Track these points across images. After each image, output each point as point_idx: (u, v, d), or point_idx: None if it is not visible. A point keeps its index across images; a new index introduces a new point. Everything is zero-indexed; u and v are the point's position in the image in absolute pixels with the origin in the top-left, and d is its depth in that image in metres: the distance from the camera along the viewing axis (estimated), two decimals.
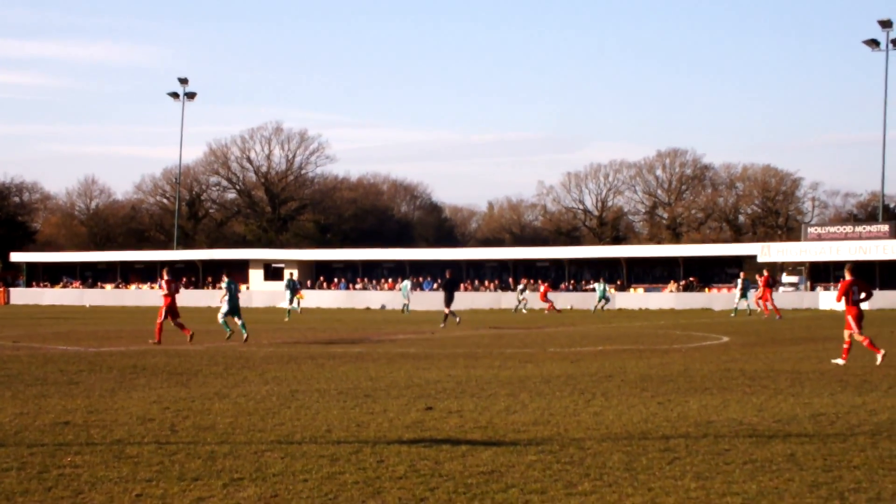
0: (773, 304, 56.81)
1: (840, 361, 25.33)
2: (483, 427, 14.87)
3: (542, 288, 77.88)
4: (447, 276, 53.03)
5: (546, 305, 73.08)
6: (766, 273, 58.61)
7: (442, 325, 47.64)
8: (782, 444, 13.35)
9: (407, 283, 73.57)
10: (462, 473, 11.48)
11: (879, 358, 24.95)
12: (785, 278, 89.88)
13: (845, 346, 25.73)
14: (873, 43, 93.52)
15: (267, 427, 14.90)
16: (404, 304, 71.58)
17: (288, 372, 23.64)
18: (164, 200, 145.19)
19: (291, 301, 63.61)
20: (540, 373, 23.23)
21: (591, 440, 13.68)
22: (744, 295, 63.00)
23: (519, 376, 22.42)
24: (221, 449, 13.04)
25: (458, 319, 49.12)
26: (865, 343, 25.41)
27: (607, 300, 74.91)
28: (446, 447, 13.12)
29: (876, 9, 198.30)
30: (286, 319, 57.27)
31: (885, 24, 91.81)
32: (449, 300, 49.34)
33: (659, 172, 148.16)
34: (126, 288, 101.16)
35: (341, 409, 16.80)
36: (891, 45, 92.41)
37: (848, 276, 25.89)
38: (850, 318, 25.65)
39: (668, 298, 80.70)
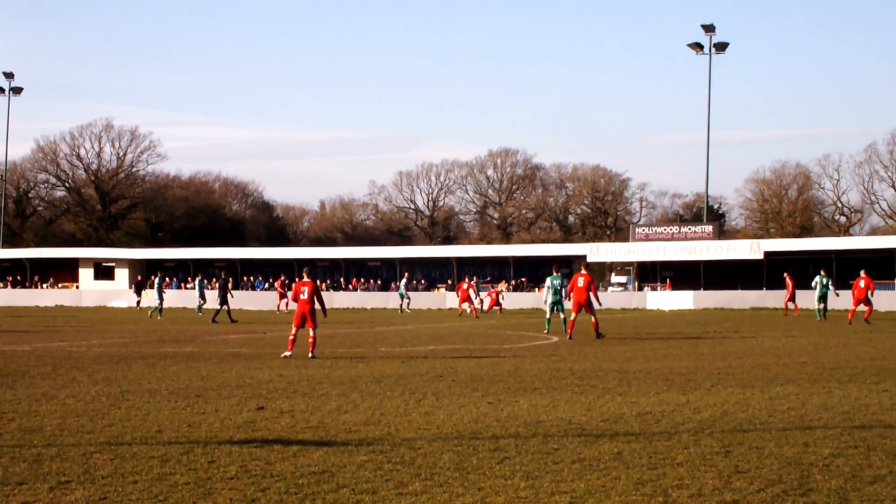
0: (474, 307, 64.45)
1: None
2: (314, 427, 14.88)
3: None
4: (222, 276, 58.48)
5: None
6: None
7: (229, 321, 52.72)
8: (610, 442, 13.59)
9: (157, 282, 71.72)
10: (293, 474, 11.49)
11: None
12: (614, 278, 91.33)
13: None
14: (697, 46, 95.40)
15: (96, 428, 14.71)
16: (158, 305, 66.23)
17: (118, 372, 23.35)
18: None
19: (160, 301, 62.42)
20: (371, 372, 23.30)
21: (422, 440, 13.77)
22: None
23: (350, 376, 22.46)
24: (48, 451, 12.84)
25: (214, 320, 53.09)
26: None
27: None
28: (277, 447, 13.11)
29: (700, 13, 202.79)
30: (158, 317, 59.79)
31: (709, 29, 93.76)
32: (223, 300, 54.50)
33: (490, 172, 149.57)
34: None
35: (172, 410, 16.67)
36: (713, 50, 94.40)
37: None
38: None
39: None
